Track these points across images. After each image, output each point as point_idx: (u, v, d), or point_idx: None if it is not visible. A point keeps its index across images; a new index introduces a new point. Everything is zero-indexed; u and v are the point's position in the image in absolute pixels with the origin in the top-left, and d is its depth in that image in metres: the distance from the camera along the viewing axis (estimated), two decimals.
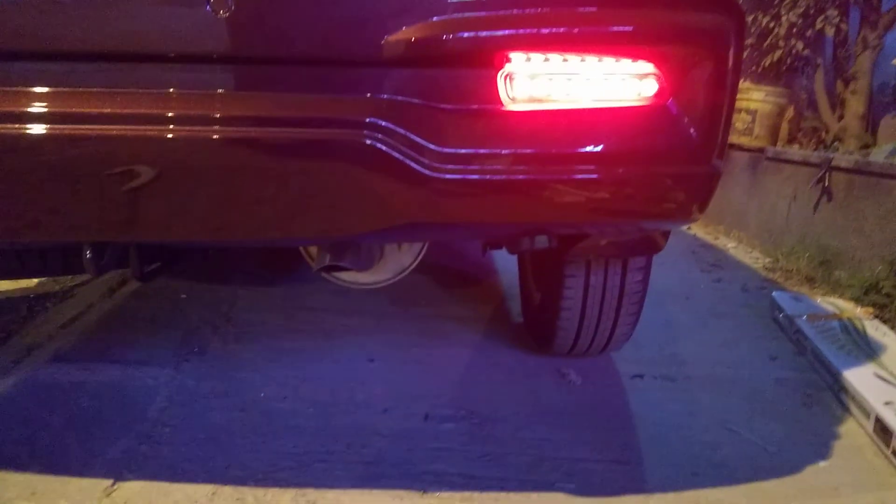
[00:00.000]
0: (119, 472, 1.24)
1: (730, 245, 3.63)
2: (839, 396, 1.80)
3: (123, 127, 0.80)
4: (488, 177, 0.88)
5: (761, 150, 3.61)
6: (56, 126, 0.80)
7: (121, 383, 1.57)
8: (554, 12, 0.87)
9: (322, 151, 0.84)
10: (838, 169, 2.89)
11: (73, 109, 0.80)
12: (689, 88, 0.95)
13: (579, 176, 0.92)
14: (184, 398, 1.52)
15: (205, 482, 1.22)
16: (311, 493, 1.21)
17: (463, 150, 0.87)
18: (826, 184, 2.94)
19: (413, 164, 0.85)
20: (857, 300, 2.49)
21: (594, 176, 0.93)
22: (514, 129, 0.89)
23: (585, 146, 0.92)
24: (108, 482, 1.21)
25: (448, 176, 0.87)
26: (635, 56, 0.91)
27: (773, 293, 2.52)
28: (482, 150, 0.88)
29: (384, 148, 0.84)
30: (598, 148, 0.93)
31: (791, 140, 3.77)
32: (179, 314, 2.04)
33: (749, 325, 2.34)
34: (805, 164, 3.17)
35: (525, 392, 1.67)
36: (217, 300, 2.15)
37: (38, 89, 0.81)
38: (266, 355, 1.77)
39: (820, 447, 1.55)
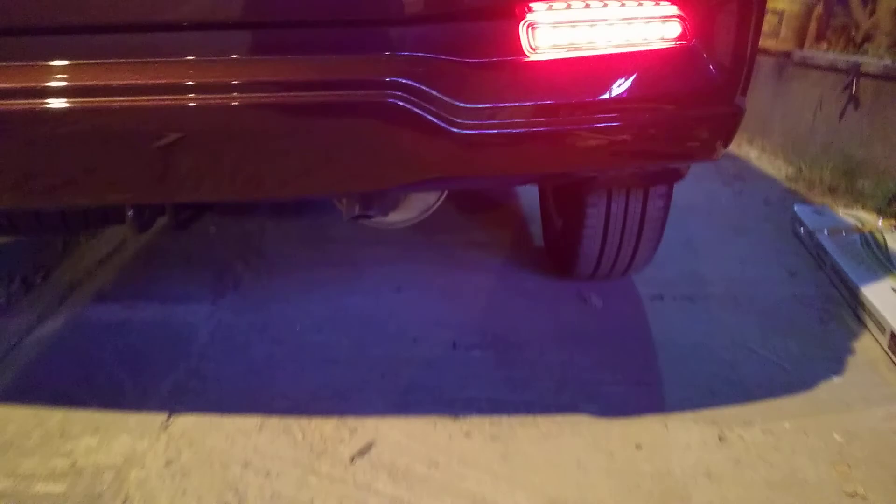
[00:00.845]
0: (172, 406, 1.33)
1: (752, 154, 3.59)
2: (856, 312, 1.84)
3: (160, 97, 0.82)
4: (515, 130, 0.90)
5: (787, 55, 3.50)
6: (99, 99, 0.82)
7: (163, 320, 1.65)
8: None
9: (347, 112, 0.86)
10: (866, 75, 2.81)
11: (119, 82, 0.83)
12: (712, 28, 0.95)
13: (605, 123, 0.93)
14: (224, 333, 1.60)
15: (252, 413, 1.31)
16: (352, 421, 1.30)
17: (488, 105, 0.88)
18: (853, 91, 2.87)
19: (438, 121, 0.87)
20: (880, 211, 2.48)
21: (619, 123, 0.94)
22: (539, 80, 0.90)
23: (611, 92, 0.93)
24: (164, 416, 1.30)
25: (474, 131, 0.89)
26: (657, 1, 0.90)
27: (795, 206, 2.52)
28: (507, 103, 0.89)
29: (408, 106, 0.86)
30: (624, 93, 0.93)
31: (819, 39, 3.64)
32: (211, 249, 2.10)
33: (770, 239, 2.36)
34: (832, 69, 3.08)
35: (548, 317, 1.73)
36: (246, 233, 2.21)
37: (74, 63, 0.83)
38: (298, 287, 1.84)
39: (835, 363, 1.60)
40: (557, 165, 0.97)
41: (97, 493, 1.09)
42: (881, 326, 1.71)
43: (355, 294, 1.81)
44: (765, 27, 3.66)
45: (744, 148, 3.75)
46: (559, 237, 1.91)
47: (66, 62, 0.83)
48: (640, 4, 0.90)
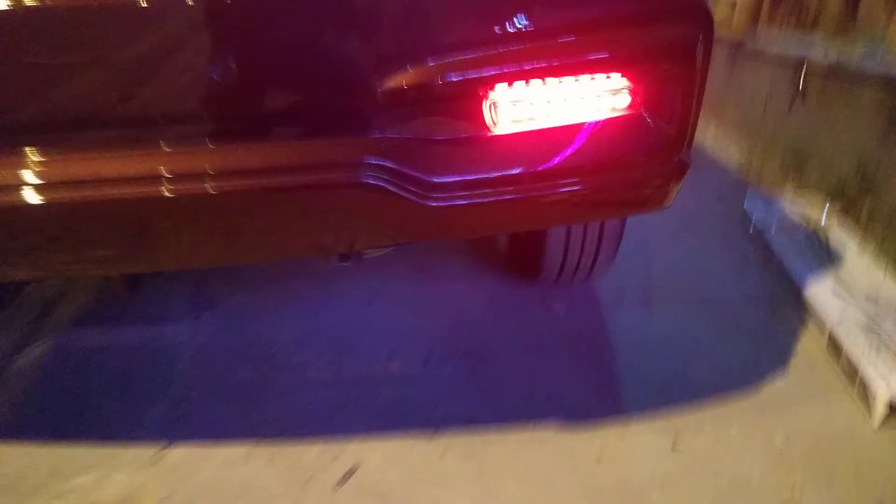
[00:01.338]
0: (162, 437, 1.40)
1: (707, 142, 3.71)
2: (800, 313, 1.98)
3: (148, 188, 0.87)
4: (482, 199, 0.97)
5: (740, 44, 3.62)
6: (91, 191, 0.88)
7: (143, 345, 1.70)
8: (532, 47, 0.93)
9: (327, 192, 0.93)
10: (813, 72, 2.94)
11: (108, 174, 0.88)
12: (658, 96, 1.03)
13: (565, 188, 1.01)
14: (205, 357, 1.66)
15: (240, 441, 1.39)
16: (335, 446, 1.38)
17: (457, 178, 0.96)
18: (800, 85, 3.00)
19: (411, 196, 0.94)
20: (825, 202, 2.63)
21: (578, 186, 1.02)
22: (503, 152, 0.98)
23: (569, 159, 1.01)
24: (155, 449, 1.37)
25: (445, 203, 0.96)
26: (608, 73, 0.98)
27: (745, 203, 2.65)
28: (474, 175, 0.97)
29: (382, 184, 0.93)
30: (581, 159, 1.02)
31: (770, 21, 3.75)
32: None
33: (721, 237, 2.49)
34: (782, 61, 3.20)
35: (515, 326, 1.83)
36: None
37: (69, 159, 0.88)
38: (272, 303, 1.90)
39: (779, 365, 1.74)
40: (522, 225, 1.06)
41: None
42: (821, 328, 1.85)
43: (329, 309, 1.88)
44: (718, 16, 3.77)
45: (698, 135, 3.88)
46: (524, 246, 2.00)
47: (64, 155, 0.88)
48: (593, 79, 0.98)
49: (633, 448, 1.43)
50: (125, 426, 1.43)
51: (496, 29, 0.91)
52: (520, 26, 0.91)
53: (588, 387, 1.59)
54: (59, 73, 0.83)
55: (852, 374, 1.64)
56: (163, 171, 0.88)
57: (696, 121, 1.10)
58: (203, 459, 1.34)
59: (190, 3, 0.81)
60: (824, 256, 2.22)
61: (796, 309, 1.98)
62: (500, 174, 0.98)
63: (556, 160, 1.00)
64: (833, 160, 2.82)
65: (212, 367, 1.63)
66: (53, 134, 0.86)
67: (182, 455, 1.35)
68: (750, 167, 3.26)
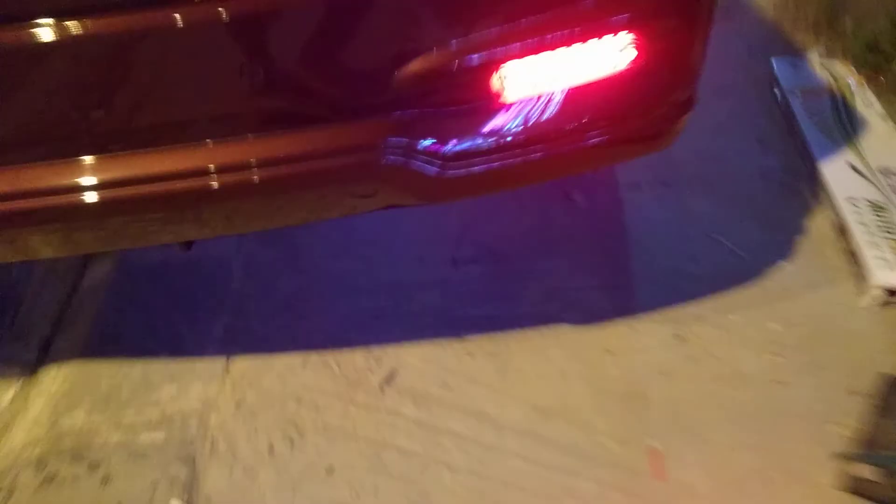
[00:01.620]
0: (228, 348, 1.62)
1: None
2: (814, 188, 2.04)
3: (200, 180, 1.00)
4: (495, 164, 1.07)
5: None
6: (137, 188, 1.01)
7: (198, 261, 1.89)
8: (540, 21, 0.97)
9: (353, 171, 1.04)
10: None
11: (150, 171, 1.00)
12: (664, 46, 1.07)
13: (575, 145, 1.09)
14: (254, 269, 1.85)
15: (295, 350, 1.60)
16: (376, 350, 1.59)
17: (471, 146, 1.05)
18: None
19: (428, 166, 1.05)
20: (857, 60, 2.56)
21: (589, 140, 1.10)
22: (514, 117, 1.05)
23: (578, 117, 1.08)
24: (223, 360, 1.60)
25: (460, 171, 1.06)
26: (614, 33, 1.03)
27: (773, 60, 2.59)
28: (487, 143, 1.05)
29: (402, 158, 1.03)
30: (591, 115, 1.09)
31: None
32: None
33: (745, 101, 2.47)
34: None
35: (536, 222, 1.96)
36: None
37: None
38: None
39: (787, 247, 1.85)
40: (537, 180, 1.16)
41: (190, 439, 1.42)
42: (832, 204, 1.92)
43: (359, 218, 2.01)
44: None
45: None
46: None
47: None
48: (600, 40, 1.03)
49: (640, 339, 1.60)
50: (195, 338, 1.65)
51: (506, 9, 0.95)
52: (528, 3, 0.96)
53: (602, 283, 1.74)
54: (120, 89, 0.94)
55: (854, 254, 1.74)
56: (211, 165, 0.99)
57: (703, 59, 1.14)
58: (265, 367, 1.56)
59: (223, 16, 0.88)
60: (846, 123, 2.22)
61: (811, 184, 2.03)
62: (514, 139, 1.06)
63: (568, 119, 1.07)
64: (871, 6, 2.69)
65: (263, 276, 1.81)
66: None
67: (247, 364, 1.58)
68: (786, 7, 3.12)
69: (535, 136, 1.07)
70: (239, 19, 0.88)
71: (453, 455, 1.36)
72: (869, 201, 1.85)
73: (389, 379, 1.51)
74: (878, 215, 1.79)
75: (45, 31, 0.87)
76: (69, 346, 1.69)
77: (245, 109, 0.98)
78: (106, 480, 1.35)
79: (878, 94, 2.35)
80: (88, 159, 0.97)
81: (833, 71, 2.50)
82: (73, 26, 0.86)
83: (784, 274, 1.75)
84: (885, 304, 1.62)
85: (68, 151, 0.97)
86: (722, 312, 1.65)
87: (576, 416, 1.42)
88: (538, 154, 1.08)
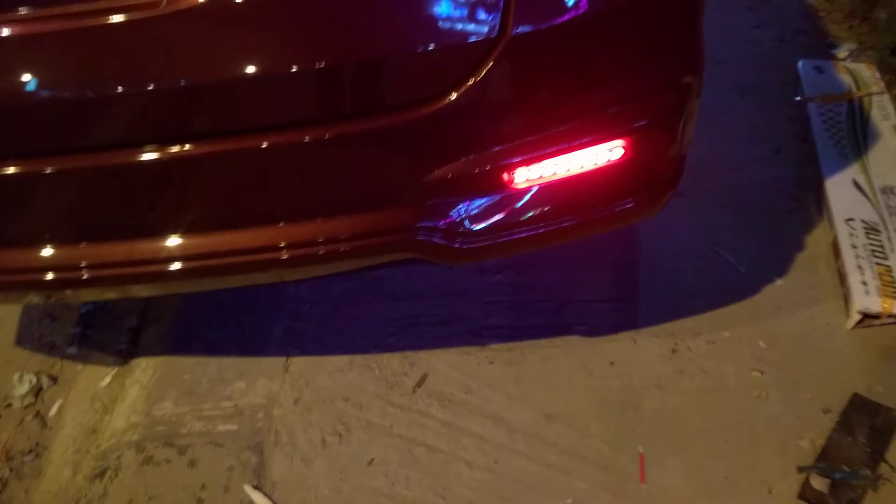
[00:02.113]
0: (287, 348, 1.93)
1: None
2: (819, 202, 2.19)
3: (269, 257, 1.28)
4: (497, 240, 1.31)
5: None
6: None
7: None
8: (545, 137, 1.19)
9: (389, 249, 1.30)
10: None
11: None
12: (650, 143, 1.28)
13: (566, 224, 1.32)
14: None
15: (342, 353, 1.89)
16: (411, 356, 1.87)
17: (479, 227, 1.29)
18: None
19: (447, 243, 1.29)
20: (882, 62, 2.64)
21: (579, 220, 1.33)
22: (522, 203, 1.28)
23: (577, 199, 1.30)
24: (284, 358, 1.90)
25: (473, 245, 1.31)
26: (610, 140, 1.24)
27: (799, 62, 2.68)
28: (490, 223, 1.29)
29: (428, 239, 1.28)
30: (590, 196, 1.31)
31: None
32: None
33: (770, 103, 2.57)
34: None
35: None
36: None
37: None
38: None
39: (783, 262, 2.03)
40: (533, 248, 1.39)
41: (258, 429, 1.74)
42: (831, 222, 2.09)
43: None
44: None
45: None
46: None
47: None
48: (594, 148, 1.24)
49: (641, 351, 1.84)
50: (260, 337, 1.95)
51: (521, 130, 1.17)
52: (535, 126, 1.17)
53: (610, 296, 1.96)
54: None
55: (843, 276, 1.92)
56: (282, 243, 1.26)
57: (687, 146, 1.34)
58: (319, 367, 1.86)
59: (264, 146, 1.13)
60: (860, 135, 2.34)
61: (817, 199, 2.19)
62: (521, 219, 1.29)
63: (566, 201, 1.29)
64: None
65: (315, 285, 2.09)
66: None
67: (303, 363, 1.88)
68: (821, 2, 3.16)
69: (539, 216, 1.30)
70: (314, 145, 1.13)
71: (472, 453, 1.64)
72: (865, 223, 2.00)
73: (421, 382, 1.79)
74: (870, 238, 1.96)
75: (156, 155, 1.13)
76: (155, 340, 2.02)
77: (317, 203, 1.23)
78: (192, 464, 1.69)
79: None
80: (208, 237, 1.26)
81: (857, 75, 2.58)
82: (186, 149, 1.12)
83: (777, 292, 1.95)
84: (865, 326, 1.81)
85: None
86: (716, 328, 1.87)
87: (577, 421, 1.69)
88: (541, 230, 1.31)
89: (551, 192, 1.27)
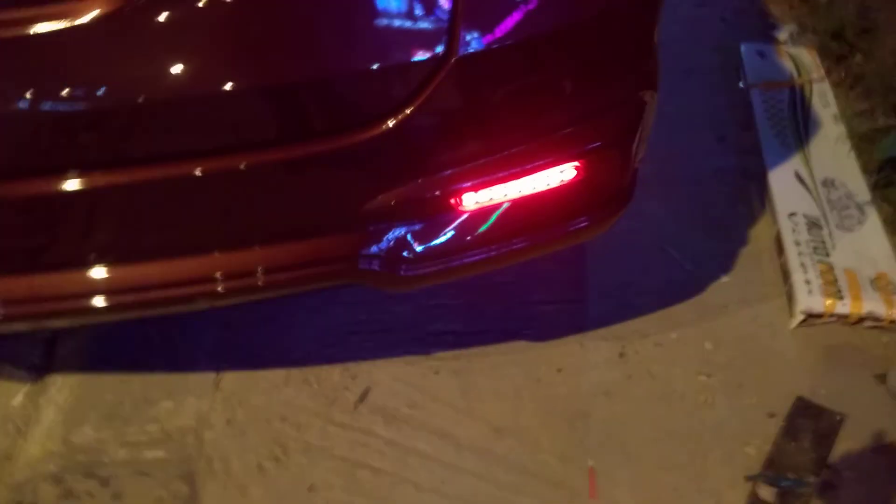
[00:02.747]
0: (217, 362, 1.80)
1: None
2: (762, 195, 2.18)
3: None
4: (443, 266, 1.22)
5: None
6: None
7: None
8: (494, 161, 1.09)
9: (332, 274, 1.19)
10: None
11: None
12: (602, 164, 1.20)
13: (515, 246, 1.24)
14: None
15: (278, 366, 1.78)
16: (352, 367, 1.78)
17: (429, 250, 1.20)
18: None
19: (392, 272, 1.19)
20: (822, 46, 2.63)
21: (528, 242, 1.25)
22: (469, 226, 1.19)
23: (525, 221, 1.22)
24: (214, 374, 1.78)
25: (418, 272, 1.21)
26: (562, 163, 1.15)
27: (742, 46, 2.65)
28: (446, 246, 1.20)
29: (372, 267, 1.18)
30: (538, 217, 1.23)
31: None
32: None
33: (712, 89, 2.54)
34: None
35: None
36: None
37: None
38: None
39: (728, 259, 2.02)
40: (487, 271, 1.31)
41: (188, 456, 1.62)
42: (774, 216, 2.08)
43: None
44: None
45: None
46: None
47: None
48: (545, 171, 1.15)
49: (588, 356, 1.80)
50: (188, 352, 1.82)
51: (470, 154, 1.08)
52: (483, 150, 1.08)
53: (559, 297, 1.91)
54: None
55: (786, 274, 1.92)
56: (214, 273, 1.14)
57: (639, 160, 1.27)
58: (253, 383, 1.75)
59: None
60: (801, 125, 2.33)
61: (760, 191, 2.18)
62: (468, 242, 1.20)
63: (514, 224, 1.21)
64: None
65: None
66: None
67: (236, 379, 1.76)
68: None
69: (488, 240, 1.21)
70: (243, 172, 1.00)
71: (419, 474, 1.57)
72: (807, 217, 2.00)
73: (363, 397, 1.71)
74: (811, 234, 1.95)
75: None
76: (72, 353, 1.85)
77: (250, 231, 1.11)
78: (117, 497, 1.56)
79: (837, 91, 2.44)
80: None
81: (798, 61, 2.57)
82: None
83: (722, 289, 1.93)
84: (808, 326, 1.81)
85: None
86: (664, 329, 1.84)
87: (526, 435, 1.64)
88: (491, 253, 1.23)
89: (500, 215, 1.19)
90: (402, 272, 1.20)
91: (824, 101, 2.38)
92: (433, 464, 1.59)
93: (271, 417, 1.68)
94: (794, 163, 2.17)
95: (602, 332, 1.84)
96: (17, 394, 1.81)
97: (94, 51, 0.89)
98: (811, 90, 2.41)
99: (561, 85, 1.05)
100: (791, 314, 1.84)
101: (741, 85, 2.50)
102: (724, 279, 1.95)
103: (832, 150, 2.20)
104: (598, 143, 1.12)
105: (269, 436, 1.65)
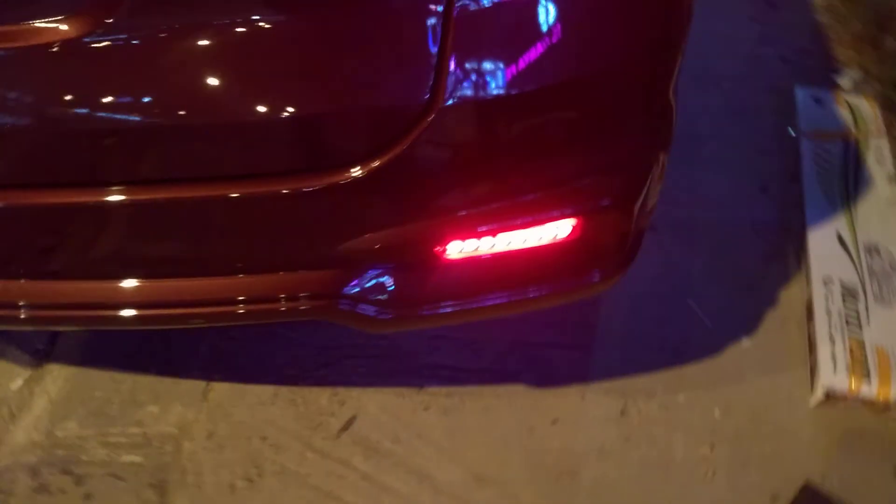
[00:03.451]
0: (210, 372, 1.77)
1: None
2: (799, 253, 2.04)
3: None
4: (435, 311, 1.16)
5: None
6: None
7: None
8: (480, 213, 1.03)
9: (315, 312, 1.14)
10: None
11: None
12: (601, 223, 1.12)
13: (515, 298, 1.17)
14: None
15: (268, 382, 1.75)
16: (342, 392, 1.73)
17: (410, 298, 1.14)
18: None
19: (372, 314, 1.14)
20: (885, 98, 2.47)
21: (515, 297, 1.18)
22: (454, 275, 1.13)
23: (516, 275, 1.15)
24: (204, 383, 1.76)
25: (396, 316, 1.16)
26: (552, 222, 1.08)
27: (797, 89, 2.50)
28: (429, 293, 1.14)
29: (351, 309, 1.13)
30: (530, 272, 1.16)
31: None
32: None
33: (762, 133, 2.41)
34: None
35: None
36: None
37: None
38: None
39: (753, 320, 1.89)
40: (474, 321, 1.24)
41: (164, 464, 1.60)
42: (809, 278, 1.95)
43: None
44: None
45: None
46: None
47: None
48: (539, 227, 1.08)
49: (588, 410, 1.71)
50: (183, 358, 1.80)
51: (449, 207, 1.02)
52: (469, 202, 1.01)
53: (565, 341, 1.82)
54: None
55: (812, 344, 1.79)
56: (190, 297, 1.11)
57: (647, 220, 1.18)
58: (239, 397, 1.72)
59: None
60: (850, 181, 2.18)
61: (797, 249, 2.04)
62: (446, 293, 1.14)
63: (493, 279, 1.14)
64: None
65: None
66: None
67: (224, 391, 1.73)
68: (832, 18, 2.96)
69: (473, 291, 1.15)
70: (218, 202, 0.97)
71: None
72: (843, 285, 1.86)
73: (348, 425, 1.66)
74: (846, 304, 1.82)
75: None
76: (74, 344, 1.86)
77: (225, 260, 1.08)
78: (88, 498, 1.55)
79: (895, 148, 2.28)
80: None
81: (857, 111, 2.41)
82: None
83: (742, 353, 1.82)
84: (829, 405, 1.68)
85: None
86: (672, 390, 1.74)
87: (508, 488, 1.56)
88: (475, 304, 1.16)
89: (486, 267, 1.11)
90: (378, 315, 1.15)
91: (880, 158, 2.22)
92: None
93: (252, 435, 1.65)
94: (838, 223, 2.03)
95: (606, 385, 1.74)
96: (17, 378, 1.83)
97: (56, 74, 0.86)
98: (867, 144, 2.26)
99: (554, 142, 0.98)
100: (812, 390, 1.71)
101: (791, 132, 2.35)
102: (746, 342, 1.83)
103: (881, 214, 2.05)
104: (593, 205, 1.04)
105: (246, 454, 1.61)
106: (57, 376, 1.80)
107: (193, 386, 1.75)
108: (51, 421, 1.70)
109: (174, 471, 1.59)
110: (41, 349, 1.88)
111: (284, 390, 1.74)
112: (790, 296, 1.94)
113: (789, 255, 2.04)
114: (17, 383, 1.83)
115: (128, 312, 1.14)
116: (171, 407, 1.71)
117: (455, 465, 1.60)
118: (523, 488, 1.57)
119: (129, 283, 1.11)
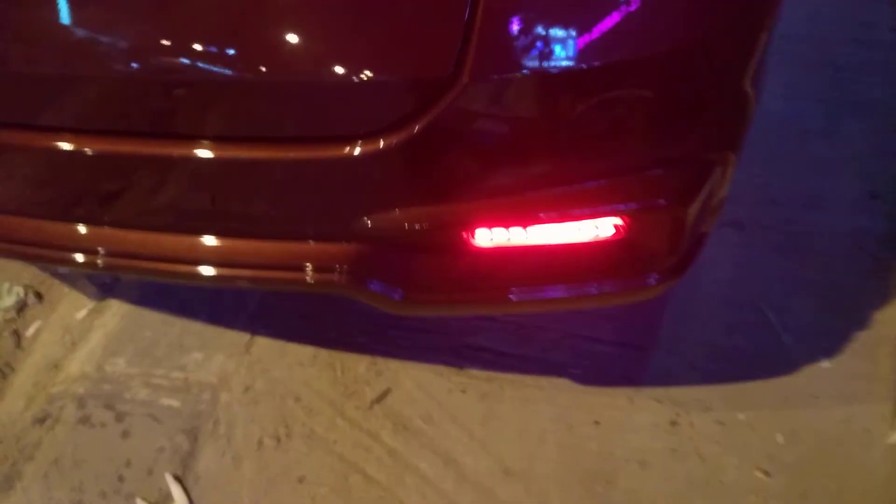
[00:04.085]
0: (254, 327, 1.78)
1: None
2: None
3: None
4: (458, 299, 1.09)
5: None
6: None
7: None
8: (510, 201, 0.94)
9: (338, 285, 1.10)
10: None
11: None
12: (649, 225, 1.00)
13: (532, 298, 1.08)
14: None
15: (309, 343, 1.74)
16: (380, 363, 1.69)
17: (433, 286, 1.07)
18: None
19: (394, 297, 1.08)
20: None
21: (555, 291, 1.08)
22: (477, 264, 1.05)
23: (550, 270, 1.06)
24: (248, 336, 1.76)
25: (424, 300, 1.09)
26: (592, 218, 0.97)
27: None
28: (448, 284, 1.07)
29: (376, 289, 1.07)
30: (562, 270, 1.06)
31: None
32: None
33: (883, 132, 2.17)
34: None
35: None
36: None
37: None
38: None
39: (837, 340, 1.70)
40: (499, 313, 1.15)
41: (199, 412, 1.63)
42: None
43: None
44: None
45: None
46: None
47: None
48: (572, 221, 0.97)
49: (635, 416, 1.59)
50: (232, 306, 1.82)
51: (480, 191, 0.93)
52: (502, 188, 0.93)
53: (622, 339, 1.70)
54: None
55: None
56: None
57: (710, 226, 1.05)
58: (279, 355, 1.71)
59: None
60: None
61: None
62: (471, 280, 1.06)
63: (521, 273, 1.05)
64: None
65: None
66: None
67: (266, 347, 1.74)
68: None
69: (503, 282, 1.06)
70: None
71: (410, 495, 1.48)
72: None
73: (381, 397, 1.62)
74: None
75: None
76: (132, 286, 1.92)
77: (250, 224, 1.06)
78: (125, 435, 1.60)
79: None
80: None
81: None
82: None
83: (819, 375, 1.64)
84: None
85: None
86: (732, 406, 1.60)
87: (536, 485, 1.48)
88: (498, 297, 1.08)
89: (513, 260, 1.03)
90: (400, 297, 1.08)
91: None
92: (428, 488, 1.48)
93: (287, 394, 1.64)
94: None
95: (659, 391, 1.62)
96: (83, 308, 1.90)
97: None
98: None
99: (596, 130, 0.86)
100: (893, 426, 1.52)
101: None
102: (825, 364, 1.65)
103: None
104: (637, 204, 0.92)
105: (279, 412, 1.61)
106: (115, 312, 1.86)
107: (238, 338, 1.76)
108: (103, 355, 1.76)
109: (208, 420, 1.61)
110: (107, 282, 1.95)
111: (324, 353, 1.72)
112: (885, 318, 1.73)
113: (892, 273, 1.81)
114: (82, 313, 1.90)
115: (164, 266, 1.13)
116: (215, 356, 1.73)
117: (485, 454, 1.54)
118: (552, 488, 1.48)
119: (169, 238, 1.10)
